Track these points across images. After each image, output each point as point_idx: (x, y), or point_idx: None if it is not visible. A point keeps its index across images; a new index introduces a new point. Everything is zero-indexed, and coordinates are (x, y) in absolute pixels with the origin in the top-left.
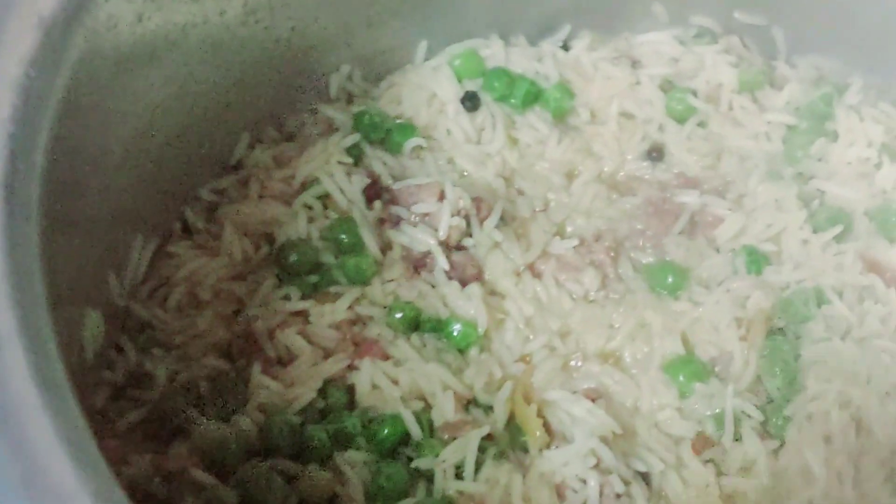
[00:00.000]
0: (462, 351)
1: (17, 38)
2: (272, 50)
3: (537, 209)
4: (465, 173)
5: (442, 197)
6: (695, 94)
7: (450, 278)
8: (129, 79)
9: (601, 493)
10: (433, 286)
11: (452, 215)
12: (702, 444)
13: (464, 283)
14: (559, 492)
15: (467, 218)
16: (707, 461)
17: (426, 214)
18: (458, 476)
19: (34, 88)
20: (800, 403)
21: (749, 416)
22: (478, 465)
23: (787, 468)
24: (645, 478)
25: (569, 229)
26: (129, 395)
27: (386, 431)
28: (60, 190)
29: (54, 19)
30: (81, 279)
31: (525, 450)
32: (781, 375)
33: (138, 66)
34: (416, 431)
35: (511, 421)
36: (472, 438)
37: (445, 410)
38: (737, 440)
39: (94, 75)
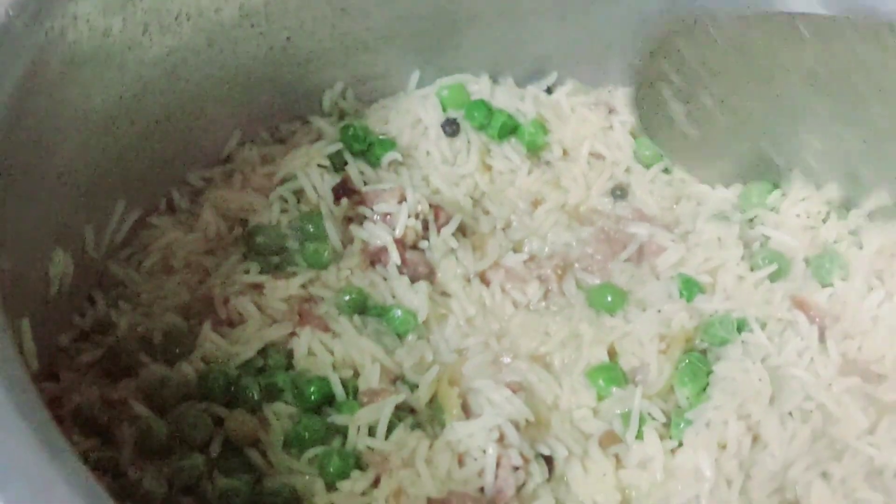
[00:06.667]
0: (401, 336)
1: None
2: (267, 56)
3: (498, 227)
4: (438, 191)
5: (402, 199)
6: None
7: (401, 273)
8: (116, 48)
9: (498, 464)
10: (385, 279)
11: (410, 217)
12: (608, 439)
13: (414, 280)
14: (461, 459)
15: (426, 222)
16: (612, 455)
17: (387, 214)
18: (371, 435)
19: None
20: (701, 410)
21: (653, 418)
22: (392, 430)
23: (681, 467)
24: (549, 462)
25: (525, 248)
26: (92, 339)
27: (312, 389)
28: (26, 139)
29: None
30: (50, 222)
31: (443, 426)
32: (691, 385)
33: (127, 39)
34: (339, 393)
35: (434, 401)
36: (389, 403)
37: (371, 380)
38: (639, 438)
39: (79, 40)
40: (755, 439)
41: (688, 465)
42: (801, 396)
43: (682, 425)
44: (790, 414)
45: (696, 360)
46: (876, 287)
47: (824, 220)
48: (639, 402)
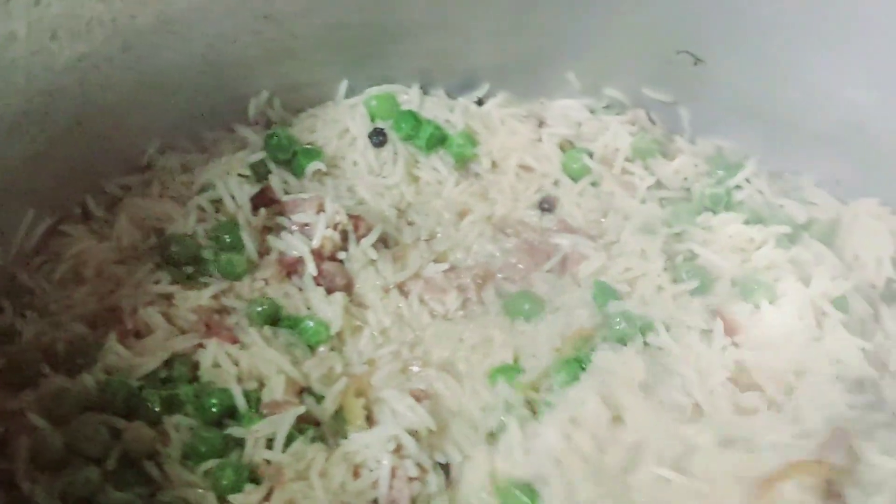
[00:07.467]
0: (312, 348)
1: None
2: (188, 62)
3: (422, 239)
4: (363, 201)
5: (321, 210)
6: (591, 155)
7: (318, 284)
8: (21, 54)
9: (394, 475)
10: (301, 290)
11: (328, 227)
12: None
13: (331, 291)
14: (356, 471)
15: (344, 233)
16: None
17: (305, 225)
18: (269, 447)
19: None
20: (563, 392)
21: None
22: (291, 442)
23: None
24: (445, 469)
25: (449, 259)
26: None
27: (213, 401)
28: None
29: None
30: None
31: (346, 438)
32: (564, 372)
33: (33, 44)
34: (241, 405)
35: (340, 413)
36: (288, 415)
37: (275, 391)
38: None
39: None
40: (614, 417)
41: (541, 445)
42: (682, 393)
43: (543, 409)
44: (660, 401)
45: (581, 355)
46: (806, 317)
47: (758, 246)
48: (508, 394)
